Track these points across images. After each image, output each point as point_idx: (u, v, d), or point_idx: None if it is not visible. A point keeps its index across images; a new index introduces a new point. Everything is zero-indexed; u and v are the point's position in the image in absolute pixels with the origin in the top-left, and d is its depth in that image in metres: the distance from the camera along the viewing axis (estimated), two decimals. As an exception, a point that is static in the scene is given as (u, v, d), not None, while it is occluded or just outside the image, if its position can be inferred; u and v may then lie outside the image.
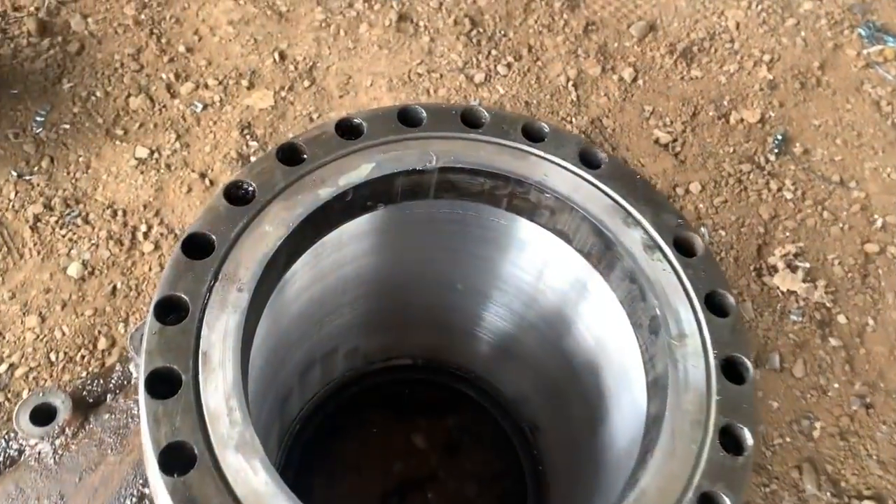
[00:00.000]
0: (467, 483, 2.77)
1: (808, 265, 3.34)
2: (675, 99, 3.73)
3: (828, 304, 3.26)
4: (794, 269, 3.32)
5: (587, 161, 1.73)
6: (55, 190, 3.21)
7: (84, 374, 2.88)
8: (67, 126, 3.36)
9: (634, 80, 3.75)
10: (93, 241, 3.11)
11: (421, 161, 1.68)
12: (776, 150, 3.62)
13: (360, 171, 1.64)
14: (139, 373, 1.40)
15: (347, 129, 1.71)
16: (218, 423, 1.37)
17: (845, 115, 3.77)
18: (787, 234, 3.42)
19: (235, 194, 1.60)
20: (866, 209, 3.52)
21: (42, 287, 3.01)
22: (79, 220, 3.15)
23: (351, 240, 1.90)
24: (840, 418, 3.03)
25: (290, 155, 1.65)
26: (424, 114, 1.73)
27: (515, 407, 2.66)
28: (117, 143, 3.34)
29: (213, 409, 1.38)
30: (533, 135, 1.75)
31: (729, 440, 1.46)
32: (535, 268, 1.97)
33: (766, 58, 3.92)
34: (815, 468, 2.92)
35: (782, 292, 3.27)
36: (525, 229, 1.87)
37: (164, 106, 3.44)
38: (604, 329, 1.84)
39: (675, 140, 3.60)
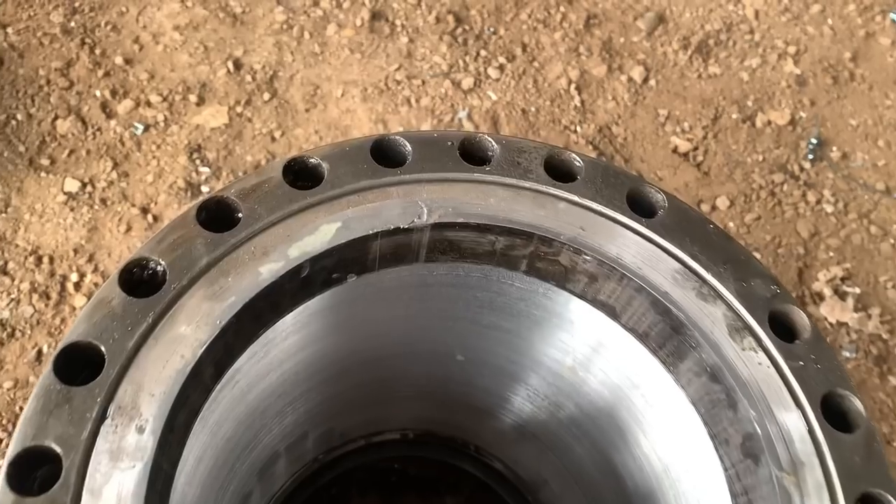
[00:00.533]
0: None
1: (857, 290, 2.87)
2: (693, 100, 3.25)
3: (884, 336, 2.80)
4: (842, 295, 2.86)
5: (639, 206, 1.24)
6: (-34, 234, 2.69)
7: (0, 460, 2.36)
8: (-18, 156, 2.83)
9: (646, 80, 3.27)
10: (12, 296, 2.59)
11: (407, 216, 1.18)
12: (811, 156, 3.16)
13: (320, 234, 1.15)
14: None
15: (300, 173, 1.21)
16: None
17: (886, 113, 3.31)
18: (832, 254, 2.96)
19: (137, 279, 1.10)
20: (919, 221, 3.06)
21: (-58, 357, 2.49)
22: (-6, 272, 2.63)
23: (311, 319, 1.40)
24: (909, 474, 2.57)
25: (216, 216, 1.15)
26: (409, 147, 1.24)
27: (532, 490, 2.17)
28: (42, 174, 2.81)
29: None
30: (561, 171, 1.26)
31: None
32: (577, 349, 1.48)
33: (792, 50, 3.45)
34: (887, 538, 2.46)
35: (831, 324, 2.80)
36: (551, 296, 1.38)
37: (99, 129, 2.92)
38: (669, 440, 1.35)
39: (695, 148, 3.13)
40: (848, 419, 1.11)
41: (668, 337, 1.21)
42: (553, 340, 1.48)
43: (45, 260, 2.67)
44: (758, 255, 2.92)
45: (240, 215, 1.15)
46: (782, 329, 1.17)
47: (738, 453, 1.14)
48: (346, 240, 1.15)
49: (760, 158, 3.14)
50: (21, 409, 2.43)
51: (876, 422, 2.66)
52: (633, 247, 1.20)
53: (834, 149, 3.21)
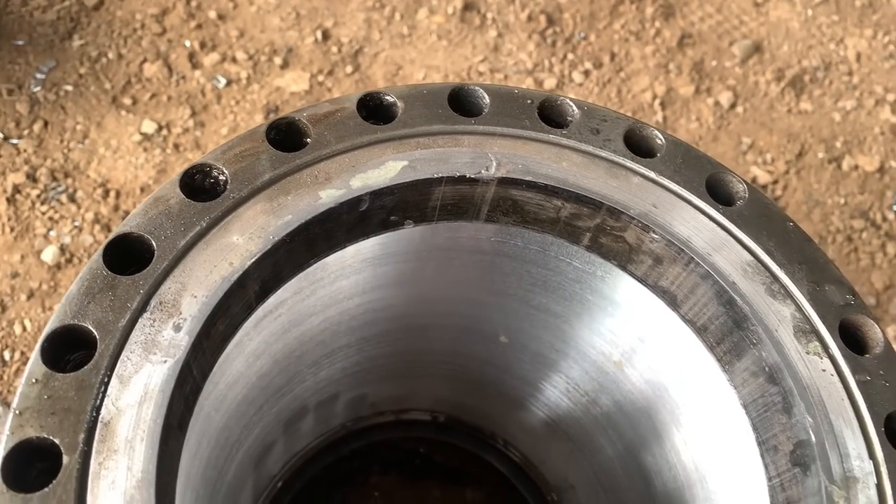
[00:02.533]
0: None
1: (928, 352, 2.73)
2: (780, 133, 3.15)
3: (950, 404, 2.65)
4: (910, 354, 2.72)
5: (717, 193, 1.19)
6: (43, 159, 2.76)
7: (40, 380, 2.40)
8: (70, 88, 2.91)
9: (733, 105, 3.19)
10: (76, 224, 2.65)
11: (475, 165, 1.15)
12: (896, 208, 3.03)
13: (385, 169, 1.12)
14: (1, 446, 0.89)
15: (375, 109, 1.19)
16: (105, 545, 0.85)
17: (982, 175, 3.16)
18: (905, 310, 2.82)
19: (199, 183, 1.09)
20: None
21: (9, 270, 2.55)
22: (64, 197, 2.69)
23: (364, 265, 1.38)
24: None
25: (286, 136, 1.14)
26: (487, 99, 1.21)
27: (556, 493, 2.11)
28: (123, 113, 2.88)
29: (102, 518, 0.86)
30: (640, 146, 1.21)
31: None
32: (615, 334, 1.42)
33: (891, 97, 3.32)
34: None
35: None
36: (610, 280, 1.33)
37: (183, 77, 2.98)
38: (709, 442, 1.28)
39: (775, 181, 3.03)
40: (912, 442, 1.04)
41: (729, 332, 1.15)
42: (602, 330, 1.43)
43: (112, 194, 2.72)
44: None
45: (308, 140, 1.14)
46: (852, 340, 1.10)
47: (787, 461, 1.07)
48: (409, 179, 1.12)
49: (842, 202, 3.03)
50: (67, 333, 2.47)
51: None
52: (705, 232, 1.15)
53: (922, 203, 3.07)
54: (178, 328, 0.98)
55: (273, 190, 1.09)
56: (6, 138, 2.77)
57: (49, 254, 2.58)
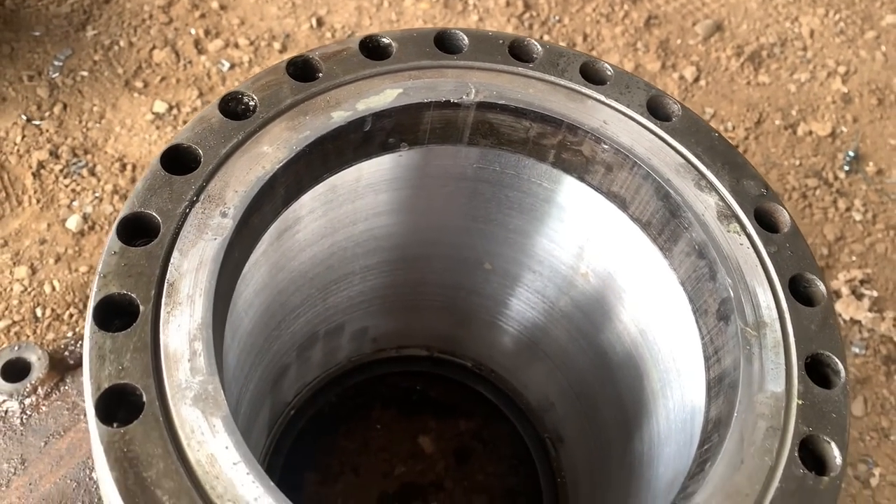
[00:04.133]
0: (476, 496, 2.47)
1: (875, 294, 3.00)
2: (740, 104, 3.43)
3: (895, 339, 2.92)
4: (859, 296, 2.99)
5: (656, 111, 1.45)
6: (64, 138, 3.00)
7: (70, 333, 2.64)
8: (86, 73, 3.16)
9: (696, 79, 3.46)
10: (97, 195, 2.89)
11: (457, 92, 1.41)
12: (847, 168, 3.30)
13: (384, 96, 1.38)
14: (90, 299, 1.14)
15: (374, 49, 1.45)
16: (176, 369, 1.10)
17: (926, 137, 3.44)
18: (854, 258, 3.09)
19: (233, 107, 1.34)
20: (944, 240, 3.18)
21: (37, 237, 2.79)
22: (84, 171, 2.93)
23: (367, 190, 1.64)
24: (903, 467, 2.69)
25: (302, 70, 1.39)
26: (466, 40, 1.47)
27: (538, 415, 2.36)
28: (136, 95, 3.13)
29: (173, 350, 1.11)
30: (593, 76, 1.48)
31: (811, 455, 1.16)
32: (576, 243, 1.68)
33: (842, 70, 3.60)
34: (872, 520, 2.57)
35: (844, 320, 2.94)
36: (571, 193, 1.59)
37: (190, 61, 3.23)
38: (653, 317, 1.54)
39: (736, 146, 3.29)
40: (811, 297, 1.30)
41: (666, 222, 1.40)
42: (560, 238, 1.69)
43: (129, 167, 2.96)
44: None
45: (320, 73, 1.39)
46: (766, 222, 1.36)
47: (714, 319, 1.32)
48: (404, 103, 1.38)
49: (797, 163, 3.30)
50: (92, 291, 2.71)
51: (877, 415, 2.78)
52: (645, 142, 1.41)
53: (870, 164, 3.35)
54: (224, 214, 1.23)
55: (294, 112, 1.34)
56: (29, 120, 3.01)
57: (73, 222, 2.82)
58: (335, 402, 2.51)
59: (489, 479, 2.46)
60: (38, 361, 2.28)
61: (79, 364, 2.39)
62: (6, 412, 2.22)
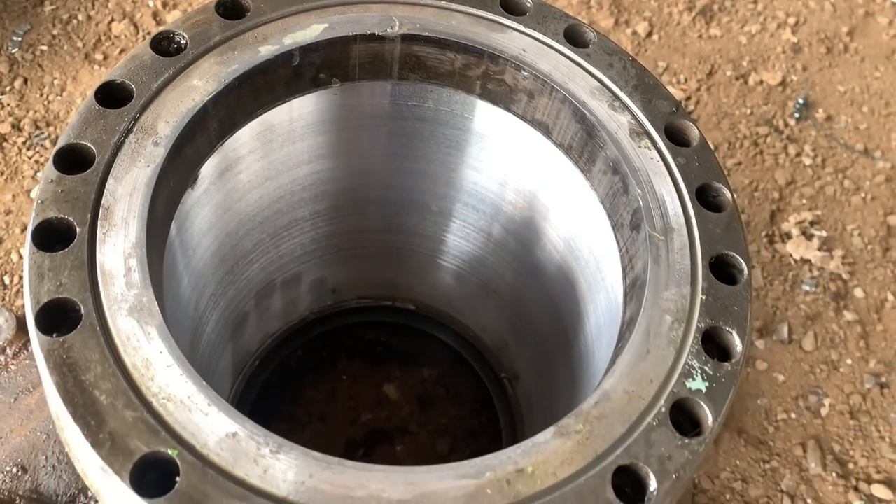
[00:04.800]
0: (440, 438, 2.55)
1: (824, 234, 3.10)
2: (692, 56, 3.51)
3: (844, 276, 3.02)
4: (809, 236, 3.08)
5: (573, 39, 1.52)
6: (26, 111, 3.05)
7: (38, 299, 2.69)
8: (45, 48, 3.20)
9: (649, 34, 3.53)
10: (60, 165, 2.94)
11: (382, 25, 1.48)
12: (797, 115, 3.39)
13: (311, 30, 1.45)
14: (29, 223, 1.20)
15: (300, -12, 1.51)
16: (112, 284, 1.17)
17: (873, 83, 3.53)
18: (804, 201, 3.19)
19: (165, 46, 1.41)
20: (891, 180, 3.27)
21: (2, 208, 2.84)
22: (47, 143, 2.98)
23: (306, 131, 1.70)
24: (851, 396, 2.79)
25: (231, 8, 1.46)
26: (390, -23, 1.53)
27: (496, 355, 2.44)
28: (96, 67, 3.17)
29: (109, 267, 1.18)
30: (514, 8, 1.55)
31: (714, 345, 1.24)
32: (503, 172, 1.76)
33: (791, 20, 3.68)
34: (821, 447, 2.68)
35: (795, 260, 3.03)
36: (499, 125, 1.66)
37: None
38: (577, 233, 1.62)
39: (688, 98, 3.38)
40: (718, 204, 1.38)
41: (585, 143, 1.48)
42: (486, 167, 1.76)
43: (92, 138, 3.01)
44: (735, 195, 3.16)
45: (248, 11, 1.46)
46: (676, 138, 1.44)
47: (628, 230, 1.40)
48: (330, 36, 1.45)
49: (748, 112, 3.38)
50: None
51: (827, 349, 2.88)
52: (563, 67, 1.48)
53: (820, 111, 3.44)
54: (156, 144, 1.29)
55: (222, 48, 1.41)
56: (-9, 95, 3.05)
57: (37, 192, 2.87)
58: (300, 355, 2.58)
59: (452, 421, 2.54)
60: (5, 323, 2.34)
61: (46, 326, 2.46)
62: (-24, 372, 2.29)
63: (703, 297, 1.27)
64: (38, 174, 2.91)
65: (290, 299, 2.33)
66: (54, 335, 1.12)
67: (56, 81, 3.12)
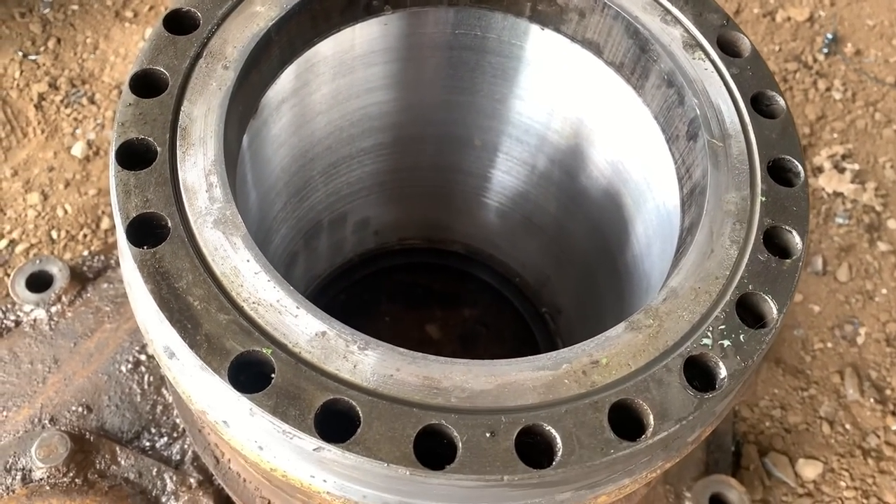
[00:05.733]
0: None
1: (857, 167, 3.11)
2: (718, -5, 3.49)
3: (877, 208, 3.04)
4: (841, 170, 3.10)
5: (621, -42, 1.54)
6: (61, 70, 3.09)
7: (85, 252, 2.77)
8: (76, 7, 3.23)
9: (674, -26, 3.52)
10: (98, 122, 2.99)
11: (433, -51, 1.51)
12: (825, 50, 3.38)
13: (364, -45, 1.48)
14: (111, 145, 1.25)
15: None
16: (195, 198, 1.22)
17: (902, 16, 3.51)
18: (835, 135, 3.20)
19: (226, -24, 1.44)
20: (923, 112, 3.28)
21: (45, 165, 2.90)
22: (84, 101, 3.03)
23: (357, 62, 1.74)
24: (887, 324, 2.83)
25: (288, -63, 1.48)
26: None
27: (536, 290, 2.49)
28: (127, 24, 3.20)
29: (191, 183, 1.23)
30: (560, -70, 1.57)
31: (775, 243, 1.28)
32: (549, 99, 1.79)
33: (818, -44, 3.66)
34: (858, 374, 2.72)
35: (828, 194, 3.05)
36: (548, 48, 1.69)
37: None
38: (625, 152, 1.66)
39: (716, 36, 3.38)
40: (772, 111, 1.41)
41: (637, 59, 1.51)
42: (534, 95, 1.79)
43: (127, 95, 3.05)
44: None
45: (304, -59, 1.48)
46: (728, 49, 1.46)
47: (685, 141, 1.44)
48: (384, -39, 1.47)
49: (777, 49, 3.38)
50: (103, 212, 2.83)
51: (861, 279, 2.91)
52: (613, -15, 1.51)
53: (849, 45, 3.43)
54: (226, 67, 1.33)
55: (281, -24, 1.44)
56: (25, 55, 3.10)
57: (78, 149, 2.92)
58: (344, 298, 2.64)
59: (494, 359, 2.60)
60: (59, 273, 2.41)
61: (99, 275, 2.53)
62: (35, 320, 2.36)
63: (763, 199, 1.31)
64: (76, 131, 2.97)
65: (335, 241, 2.39)
66: (145, 248, 1.17)
67: (88, 40, 3.16)
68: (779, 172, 1.35)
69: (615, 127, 1.67)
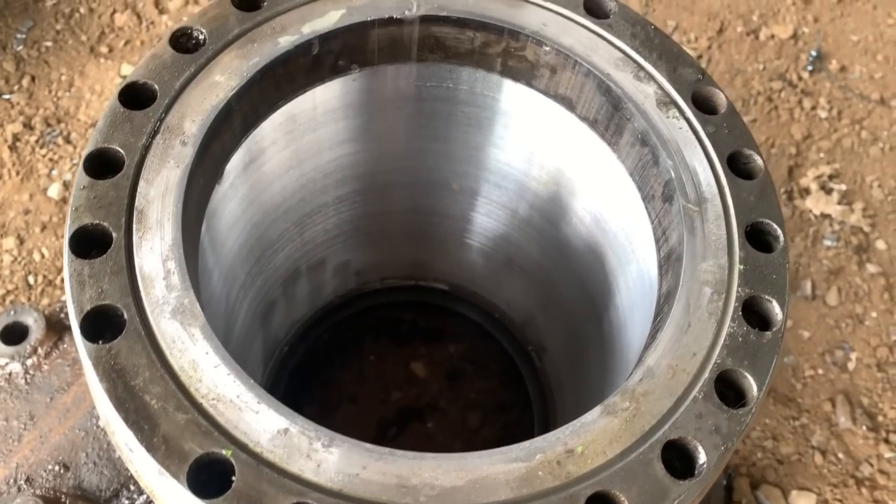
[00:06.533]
0: (470, 413, 2.58)
1: (844, 187, 3.08)
2: (701, 14, 3.46)
3: (865, 229, 3.00)
4: (828, 191, 3.06)
5: (594, 11, 1.50)
6: (35, 109, 3.04)
7: (64, 297, 2.71)
8: (50, 44, 3.18)
9: (656, -7, 3.48)
10: (74, 161, 2.94)
11: (399, 8, 1.46)
12: (810, 68, 3.34)
13: (328, 17, 1.43)
14: (65, 231, 1.21)
15: (315, -24, 1.49)
16: (152, 287, 1.17)
17: (887, 30, 3.48)
18: (822, 154, 3.16)
19: (184, 42, 1.40)
20: (909, 129, 3.24)
21: (21, 208, 2.85)
22: (60, 140, 2.97)
23: (326, 118, 1.69)
24: (878, 349, 2.79)
25: (246, 1, 1.44)
26: (404, -41, 1.51)
27: (521, 329, 2.45)
28: (102, 60, 3.15)
29: (148, 271, 1.18)
30: (530, -18, 1.52)
31: (754, 314, 1.24)
32: (528, 149, 1.75)
33: (801, -29, 3.62)
34: (850, 401, 2.69)
35: (815, 216, 3.02)
36: (521, 101, 1.65)
37: (152, 22, 3.25)
38: (606, 206, 1.62)
39: (699, 56, 3.34)
40: (749, 171, 1.36)
41: (611, 116, 1.47)
42: (510, 145, 1.75)
43: (104, 133, 3.00)
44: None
45: (264, 2, 1.44)
46: (703, 105, 1.42)
47: (660, 202, 1.40)
48: (348, 23, 1.43)
49: (761, 68, 3.34)
50: (81, 255, 2.77)
51: (851, 303, 2.87)
52: (584, 40, 1.46)
53: (833, 62, 3.39)
54: (184, 143, 1.29)
55: (242, 41, 1.39)
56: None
57: (54, 190, 2.87)
58: (328, 339, 2.60)
59: (481, 395, 2.56)
60: (35, 323, 2.36)
61: (75, 323, 2.47)
62: (10, 374, 2.31)
63: (741, 267, 1.27)
64: (53, 172, 2.92)
65: (315, 285, 2.34)
66: (100, 342, 1.12)
67: (63, 77, 3.11)
68: (758, 236, 1.31)
69: (593, 179, 1.63)
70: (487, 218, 2.09)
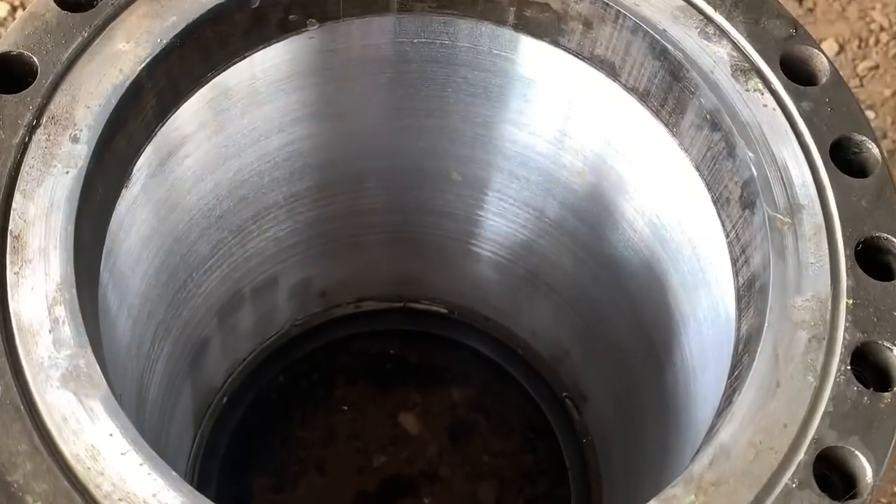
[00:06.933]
0: (482, 483, 2.60)
1: None
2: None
3: None
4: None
5: (641, -58, 1.50)
6: None
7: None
8: None
9: None
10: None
11: (372, -59, 1.47)
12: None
13: (272, -44, 1.44)
14: (-88, 267, 1.22)
15: None
16: (34, 345, 1.19)
17: None
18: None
19: (73, -4, 1.41)
20: None
21: None
22: None
23: (274, 90, 1.70)
24: None
25: (160, -64, 1.45)
26: None
27: (552, 368, 2.47)
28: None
29: (28, 321, 1.20)
30: None
31: (869, 368, 1.25)
32: (552, 126, 1.76)
33: None
34: None
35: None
36: (545, 64, 1.66)
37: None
38: (665, 208, 1.63)
39: (795, -19, 3.34)
40: (861, 165, 1.37)
41: (669, 88, 1.47)
42: (552, 130, 1.76)
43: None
44: (871, 114, 3.15)
45: (187, -63, 1.45)
46: (796, 72, 1.43)
47: (738, 208, 1.41)
48: (301, -37, 1.44)
49: (884, -8, 3.34)
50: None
51: None
52: (630, -19, 1.47)
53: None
54: (75, 139, 1.30)
55: (154, -7, 1.40)
56: None
57: None
58: (283, 383, 2.62)
59: (497, 459, 2.58)
60: None
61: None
62: None
63: (850, 302, 1.27)
64: None
65: (263, 312, 2.36)
66: (-34, 427, 1.14)
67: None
68: (873, 257, 1.32)
69: (648, 172, 1.64)
70: (502, 219, 2.11)
